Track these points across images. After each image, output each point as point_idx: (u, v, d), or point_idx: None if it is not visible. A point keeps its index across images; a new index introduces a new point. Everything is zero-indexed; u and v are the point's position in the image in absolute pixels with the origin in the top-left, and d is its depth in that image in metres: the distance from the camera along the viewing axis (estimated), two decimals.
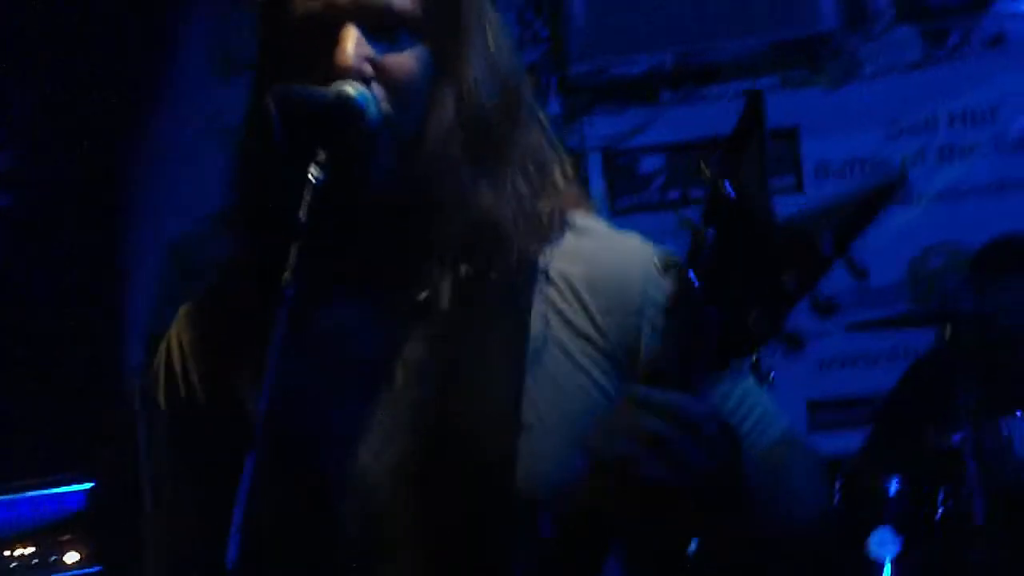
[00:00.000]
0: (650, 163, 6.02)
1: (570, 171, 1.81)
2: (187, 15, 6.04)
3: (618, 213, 6.00)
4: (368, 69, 1.62)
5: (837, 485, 4.16)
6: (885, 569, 3.98)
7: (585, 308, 1.69)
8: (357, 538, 1.64)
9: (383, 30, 1.64)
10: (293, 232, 1.51)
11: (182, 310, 1.86)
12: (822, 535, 1.80)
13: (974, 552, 3.97)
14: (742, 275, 1.41)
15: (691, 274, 1.42)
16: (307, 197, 1.52)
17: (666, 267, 1.45)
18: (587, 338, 1.68)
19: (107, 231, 6.01)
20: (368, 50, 1.63)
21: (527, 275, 1.69)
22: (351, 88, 1.59)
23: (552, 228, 1.74)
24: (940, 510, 4.05)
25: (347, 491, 1.64)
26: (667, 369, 1.43)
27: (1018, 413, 4.58)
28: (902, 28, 5.77)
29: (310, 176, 1.53)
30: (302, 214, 1.51)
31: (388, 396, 1.66)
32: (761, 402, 1.78)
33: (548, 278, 1.70)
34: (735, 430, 1.52)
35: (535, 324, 1.67)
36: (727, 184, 1.43)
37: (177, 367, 1.81)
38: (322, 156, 1.54)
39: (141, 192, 6.12)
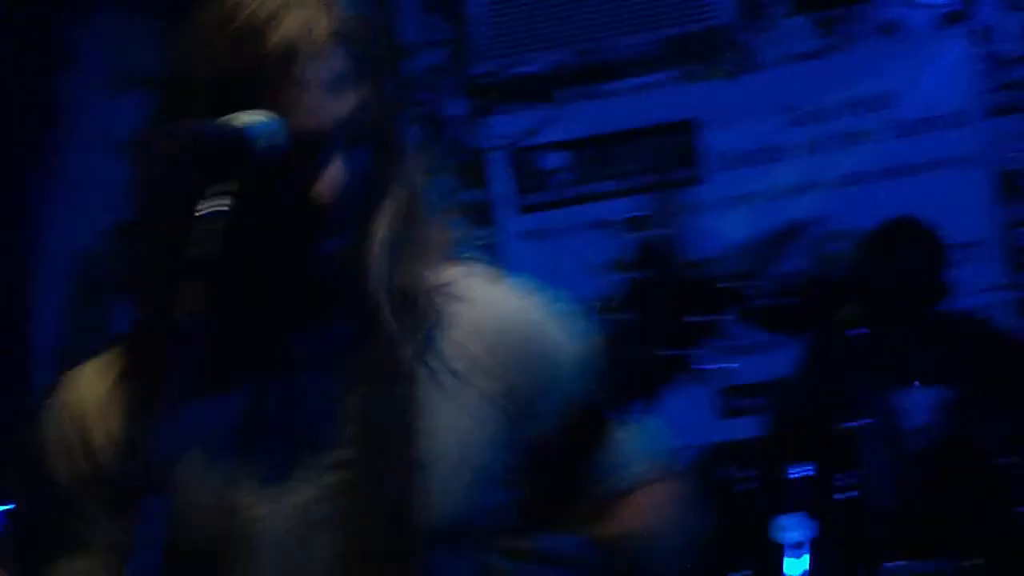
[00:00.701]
0: (554, 160, 6.07)
1: (449, 233, 1.87)
2: (85, 28, 5.99)
3: (525, 211, 6.05)
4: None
5: (747, 474, 4.23)
6: (794, 553, 4.04)
7: (473, 353, 1.77)
8: None
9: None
10: (193, 268, 1.52)
11: (79, 372, 1.84)
12: (699, 559, 1.92)
13: (878, 531, 4.06)
14: (666, 314, 1.53)
15: (617, 317, 1.54)
16: (209, 229, 1.53)
17: (601, 311, 1.56)
18: (477, 380, 1.76)
19: (10, 246, 5.95)
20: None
21: (426, 328, 1.77)
22: (249, 116, 1.60)
23: (438, 275, 1.80)
24: (844, 492, 4.12)
25: (257, 537, 1.69)
26: (596, 407, 1.58)
27: (916, 384, 4.69)
28: (796, 18, 5.86)
29: (211, 208, 1.54)
30: (202, 248, 1.52)
31: (295, 443, 1.72)
32: (639, 430, 1.86)
33: (442, 329, 1.77)
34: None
35: (430, 370, 1.75)
36: (653, 232, 1.58)
37: (74, 432, 1.79)
38: (230, 186, 1.56)
39: (44, 206, 6.06)
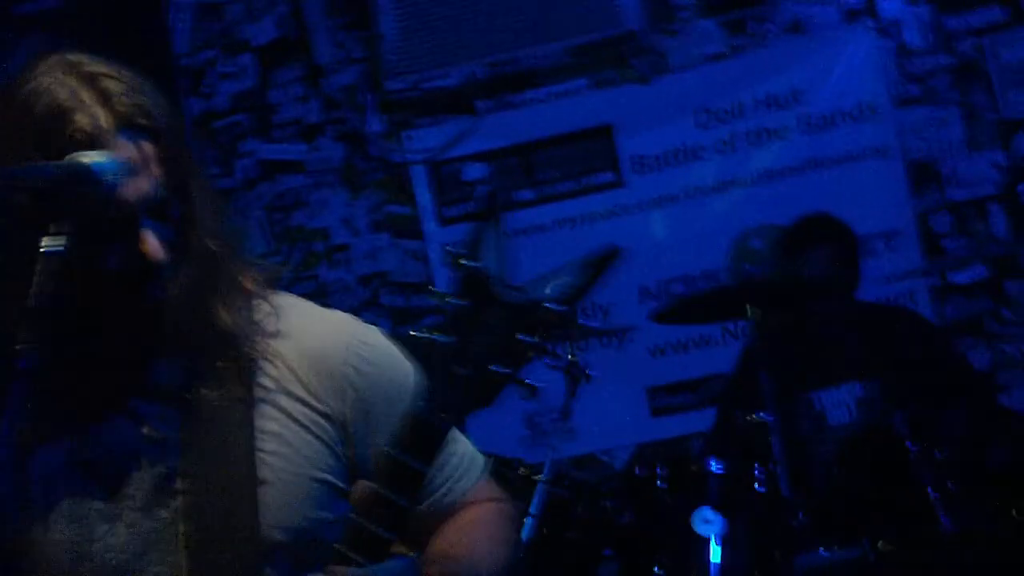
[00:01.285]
0: (473, 171, 6.13)
1: (262, 255, 2.01)
2: None
3: (447, 223, 6.10)
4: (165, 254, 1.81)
5: (661, 471, 4.30)
6: (711, 545, 4.11)
7: (299, 378, 1.92)
8: None
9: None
10: (31, 305, 1.59)
11: None
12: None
13: (790, 523, 4.13)
14: (487, 337, 1.71)
15: (446, 338, 1.71)
16: (43, 269, 1.60)
17: (430, 335, 1.73)
18: (304, 402, 1.91)
19: None
20: (159, 240, 1.79)
21: (250, 359, 1.91)
22: (88, 156, 1.68)
23: (257, 310, 1.95)
24: (757, 485, 4.19)
25: (102, 564, 1.81)
26: (430, 419, 1.74)
27: (844, 386, 4.78)
28: (704, 21, 5.94)
29: (50, 247, 1.61)
30: (36, 287, 1.59)
31: (138, 472, 1.84)
32: (461, 450, 2.06)
33: (267, 358, 1.91)
34: None
35: (259, 394, 1.89)
36: (473, 262, 1.72)
37: None
38: (63, 227, 1.63)
39: None
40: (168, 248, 1.79)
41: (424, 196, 6.13)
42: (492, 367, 1.72)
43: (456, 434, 2.04)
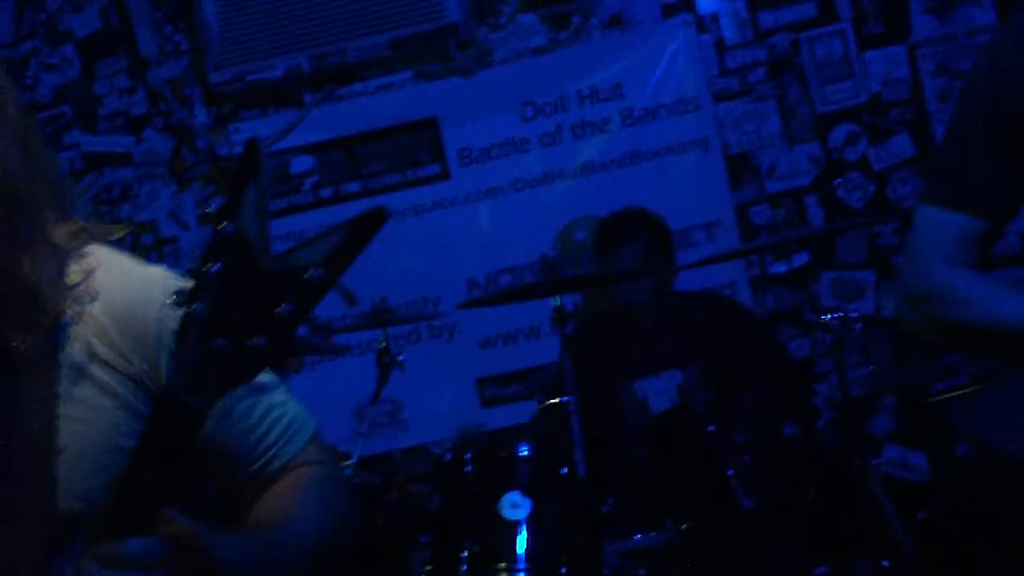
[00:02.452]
0: (300, 163, 6.14)
1: (81, 202, 1.96)
2: None
3: (274, 215, 6.09)
4: None
5: (469, 456, 4.35)
6: (519, 529, 4.18)
7: (109, 337, 1.83)
8: None
9: None
10: None
11: None
12: (340, 542, 1.97)
13: (597, 507, 4.21)
14: (245, 306, 1.57)
15: (198, 307, 1.56)
16: None
17: (177, 302, 1.57)
18: (113, 365, 1.82)
19: None
20: None
21: (56, 320, 1.82)
22: None
23: (78, 274, 1.86)
24: (562, 469, 4.26)
25: None
26: (178, 395, 1.58)
27: (664, 374, 4.88)
28: (526, 15, 6.01)
29: None
30: None
31: None
32: (286, 414, 1.97)
33: (77, 315, 1.83)
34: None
35: (63, 357, 1.81)
36: (228, 224, 1.56)
37: None
38: None
39: None
40: None
41: (267, 199, 6.10)
42: (250, 340, 1.58)
43: (282, 395, 1.97)
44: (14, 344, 1.78)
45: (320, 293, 1.58)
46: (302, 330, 1.70)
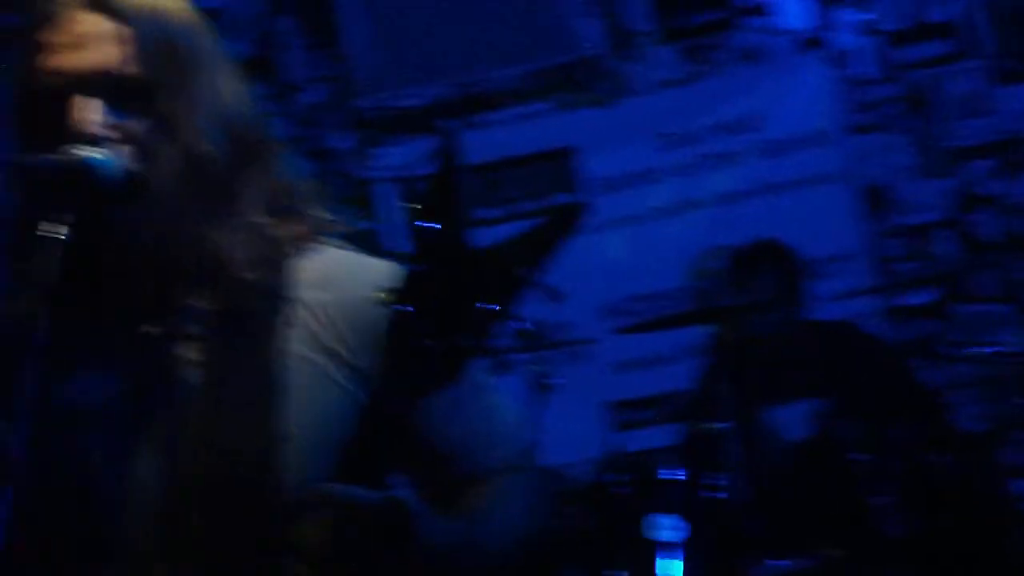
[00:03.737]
0: None
1: (323, 203, 2.00)
2: None
3: None
4: (106, 132, 1.80)
5: (627, 478, 4.39)
6: (668, 553, 4.21)
7: (334, 328, 1.87)
8: (140, 551, 1.82)
9: (115, 98, 1.82)
10: (40, 287, 1.67)
11: None
12: (540, 552, 1.99)
13: (746, 532, 4.24)
14: (448, 305, 1.57)
15: (404, 307, 1.57)
16: (51, 254, 1.68)
17: (385, 302, 1.59)
18: (337, 356, 1.86)
19: None
20: (105, 117, 1.80)
21: (275, 302, 1.87)
22: (89, 151, 1.75)
23: (293, 256, 1.91)
24: (713, 493, 4.30)
25: (129, 510, 1.82)
26: (387, 394, 1.60)
27: (797, 403, 4.92)
28: (664, 48, 6.09)
29: (51, 234, 1.69)
30: (53, 269, 1.67)
31: (159, 422, 1.85)
32: (504, 416, 1.99)
33: (298, 303, 1.88)
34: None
35: (287, 345, 1.85)
36: (433, 223, 1.57)
37: None
38: (65, 216, 1.70)
39: None
40: (133, 147, 1.80)
41: (393, 213, 6.24)
42: (454, 340, 1.57)
43: (501, 396, 1.98)
44: (244, 334, 1.84)
45: (521, 290, 1.58)
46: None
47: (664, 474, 4.36)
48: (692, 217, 6.09)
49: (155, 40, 1.84)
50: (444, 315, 1.57)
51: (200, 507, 1.81)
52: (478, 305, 1.56)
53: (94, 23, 1.84)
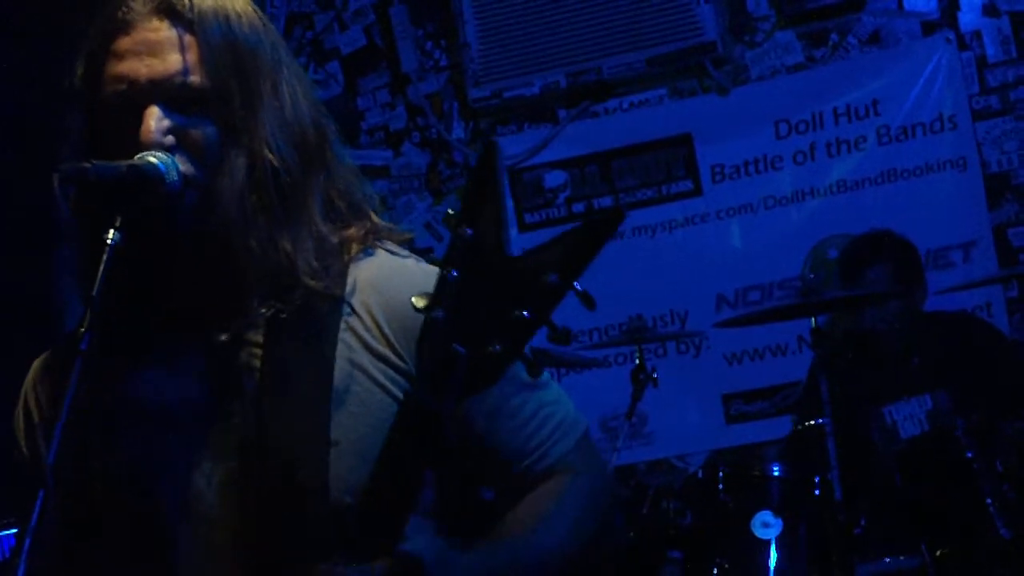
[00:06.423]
0: (554, 178, 6.24)
1: (377, 206, 2.01)
2: None
3: (527, 229, 6.22)
4: (170, 140, 1.83)
5: (722, 474, 4.37)
6: (770, 548, 4.18)
7: (383, 333, 1.88)
8: (191, 552, 1.85)
9: (180, 106, 1.85)
10: (94, 290, 1.70)
11: (36, 362, 2.05)
12: (607, 551, 2.00)
13: (850, 529, 4.18)
14: (482, 311, 1.56)
15: (438, 313, 1.58)
16: (106, 258, 1.71)
17: (420, 308, 1.59)
18: (386, 360, 1.87)
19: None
20: (167, 123, 1.83)
21: (330, 307, 1.89)
22: (152, 157, 1.79)
23: (351, 262, 1.93)
24: (816, 490, 4.25)
25: (183, 512, 1.85)
26: (423, 399, 1.61)
27: (915, 400, 4.82)
28: (784, 33, 6.00)
29: (108, 239, 1.73)
30: (100, 273, 1.70)
31: (213, 426, 1.87)
32: (557, 412, 1.98)
33: (351, 308, 1.90)
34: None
35: (339, 351, 1.87)
36: (467, 229, 1.56)
37: (34, 418, 2.00)
38: (119, 221, 1.74)
39: None
40: (197, 152, 1.84)
41: (505, 201, 6.24)
42: (487, 347, 1.57)
43: (554, 393, 1.98)
44: (294, 336, 1.86)
45: (557, 297, 1.56)
46: (545, 341, 1.67)
47: (767, 469, 4.33)
48: (809, 205, 5.98)
49: (220, 48, 1.86)
50: (477, 320, 1.56)
51: (254, 511, 1.83)
52: (514, 310, 1.55)
53: (160, 31, 1.86)
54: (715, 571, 4.26)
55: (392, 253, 1.98)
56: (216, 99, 1.85)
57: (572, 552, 1.93)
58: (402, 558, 1.65)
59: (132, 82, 1.84)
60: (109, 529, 1.88)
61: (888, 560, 4.20)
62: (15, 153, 5.22)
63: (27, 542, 1.59)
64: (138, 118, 1.82)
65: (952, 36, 5.83)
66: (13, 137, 5.26)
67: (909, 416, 4.81)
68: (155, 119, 1.82)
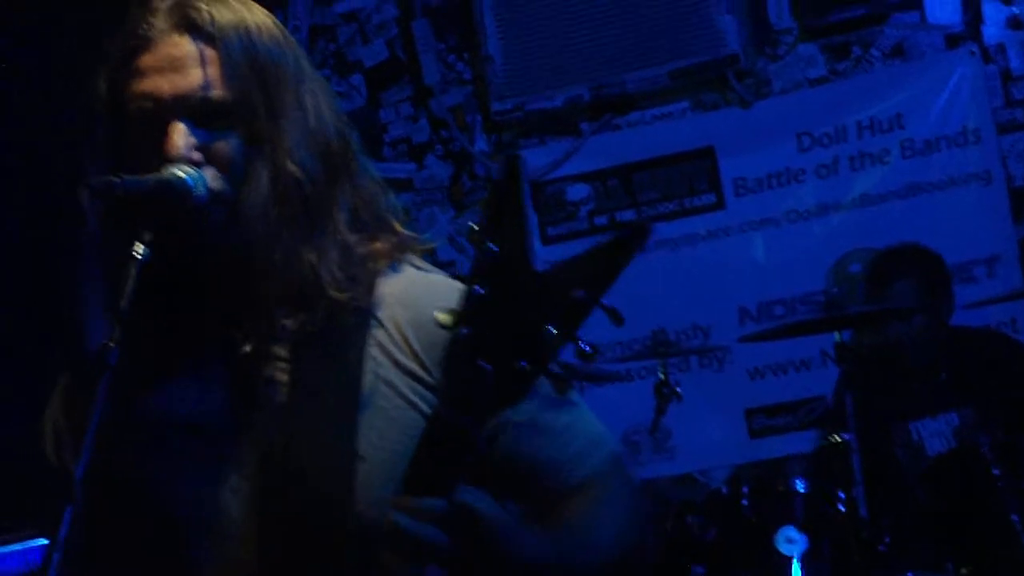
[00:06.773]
0: (577, 191, 6.23)
1: (401, 217, 2.02)
2: None
3: (549, 242, 6.21)
4: (195, 155, 1.83)
5: (745, 489, 4.35)
6: (793, 564, 4.17)
7: (411, 348, 1.88)
8: (213, 566, 1.85)
9: (205, 120, 1.86)
10: (120, 305, 1.71)
11: (64, 375, 2.05)
12: (638, 560, 1.97)
13: (874, 545, 4.16)
14: (508, 328, 1.56)
15: (464, 330, 1.57)
16: (133, 272, 1.73)
17: (445, 325, 1.59)
18: (413, 375, 1.88)
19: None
20: (193, 139, 1.84)
21: (357, 320, 1.89)
22: (179, 171, 1.80)
23: (377, 275, 1.93)
24: (839, 506, 4.23)
25: (205, 526, 1.86)
26: (450, 416, 1.60)
27: (941, 416, 4.81)
28: (806, 46, 5.99)
29: (135, 253, 1.74)
30: (128, 287, 1.72)
31: (239, 440, 1.88)
32: (588, 429, 1.98)
33: (378, 322, 1.90)
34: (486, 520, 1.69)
35: (367, 365, 1.87)
36: (491, 245, 1.56)
37: (63, 433, 2.01)
38: (147, 235, 1.75)
39: None
40: (222, 165, 1.84)
41: (528, 215, 6.24)
42: (513, 364, 1.56)
43: (584, 412, 1.98)
44: (321, 350, 1.86)
45: (584, 313, 1.55)
46: (571, 356, 1.67)
47: (791, 485, 4.31)
48: (832, 219, 5.96)
49: (242, 61, 1.87)
50: (503, 337, 1.56)
51: (280, 524, 1.82)
52: (540, 327, 1.55)
53: (182, 46, 1.87)
54: None
55: (419, 268, 1.99)
56: (239, 112, 1.86)
57: (615, 560, 1.92)
58: (461, 503, 1.64)
59: (156, 99, 1.85)
60: (130, 542, 1.88)
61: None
62: (15, 157, 5.23)
63: (55, 557, 1.59)
64: (164, 134, 1.83)
65: (976, 49, 5.81)
66: (14, 141, 5.26)
67: (936, 433, 4.79)
68: (181, 135, 1.83)
